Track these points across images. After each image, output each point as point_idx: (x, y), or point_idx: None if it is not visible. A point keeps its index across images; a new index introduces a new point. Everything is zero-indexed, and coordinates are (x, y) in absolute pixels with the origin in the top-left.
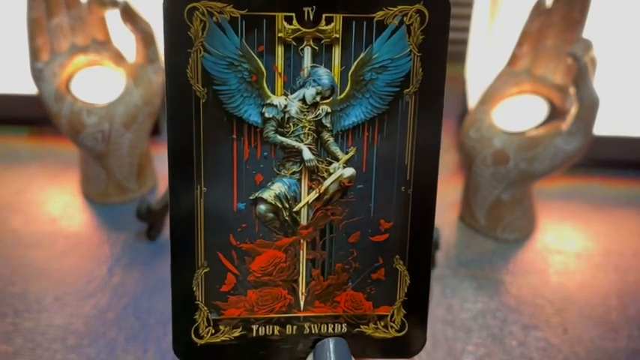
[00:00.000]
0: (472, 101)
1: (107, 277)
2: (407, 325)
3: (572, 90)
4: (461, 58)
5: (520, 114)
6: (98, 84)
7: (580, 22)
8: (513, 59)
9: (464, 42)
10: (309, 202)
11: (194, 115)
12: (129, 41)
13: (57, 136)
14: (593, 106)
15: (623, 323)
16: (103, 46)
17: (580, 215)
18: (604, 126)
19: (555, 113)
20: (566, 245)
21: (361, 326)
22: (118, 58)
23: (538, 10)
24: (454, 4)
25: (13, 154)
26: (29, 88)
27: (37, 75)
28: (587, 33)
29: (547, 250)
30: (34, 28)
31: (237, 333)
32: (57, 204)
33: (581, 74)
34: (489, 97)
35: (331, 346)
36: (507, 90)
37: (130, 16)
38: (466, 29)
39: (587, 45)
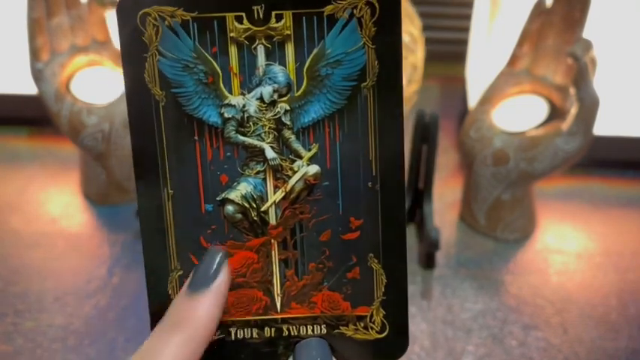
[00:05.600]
0: (472, 101)
1: (107, 277)
2: (388, 326)
3: (572, 90)
4: (461, 58)
5: (520, 114)
6: (98, 84)
7: (580, 22)
8: (513, 59)
9: (464, 42)
10: (276, 201)
11: (155, 119)
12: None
13: (57, 136)
14: (593, 106)
15: (623, 323)
16: (103, 46)
17: (580, 215)
18: (604, 126)
19: (555, 113)
20: (566, 245)
21: (341, 327)
22: (118, 58)
23: (538, 10)
24: (454, 4)
25: (13, 154)
26: (29, 88)
27: (37, 75)
28: (587, 33)
29: (547, 250)
30: (34, 28)
31: (215, 337)
32: (57, 204)
33: (581, 74)
34: (489, 97)
35: (310, 347)
36: (507, 90)
37: None
38: (466, 29)
39: (587, 45)
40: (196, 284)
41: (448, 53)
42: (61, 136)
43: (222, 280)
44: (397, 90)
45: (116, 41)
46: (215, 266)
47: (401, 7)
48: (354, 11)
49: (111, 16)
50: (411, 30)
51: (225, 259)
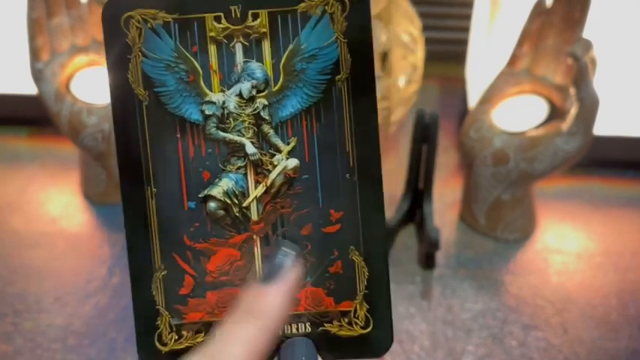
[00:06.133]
0: (472, 101)
1: (107, 277)
2: (371, 320)
3: (572, 90)
4: (461, 58)
5: (520, 114)
6: (98, 84)
7: (580, 22)
8: (513, 59)
9: (464, 42)
10: (257, 196)
11: (138, 118)
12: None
13: (57, 136)
14: (593, 106)
15: (623, 323)
16: (102, 47)
17: (580, 215)
18: (604, 126)
19: (555, 113)
20: (566, 245)
21: (325, 324)
22: None
23: (538, 10)
24: (454, 4)
25: (13, 154)
26: (29, 88)
27: (37, 75)
28: (587, 33)
29: (547, 250)
30: (34, 28)
31: (200, 338)
32: (57, 204)
33: (581, 74)
34: (489, 97)
35: (295, 347)
36: (507, 90)
37: None
38: (466, 29)
39: (587, 45)
40: (267, 275)
41: (448, 53)
42: (61, 136)
43: (293, 270)
44: (370, 81)
45: None
46: (286, 257)
47: (370, 2)
48: (326, 8)
49: None
50: (411, 30)
51: (296, 252)
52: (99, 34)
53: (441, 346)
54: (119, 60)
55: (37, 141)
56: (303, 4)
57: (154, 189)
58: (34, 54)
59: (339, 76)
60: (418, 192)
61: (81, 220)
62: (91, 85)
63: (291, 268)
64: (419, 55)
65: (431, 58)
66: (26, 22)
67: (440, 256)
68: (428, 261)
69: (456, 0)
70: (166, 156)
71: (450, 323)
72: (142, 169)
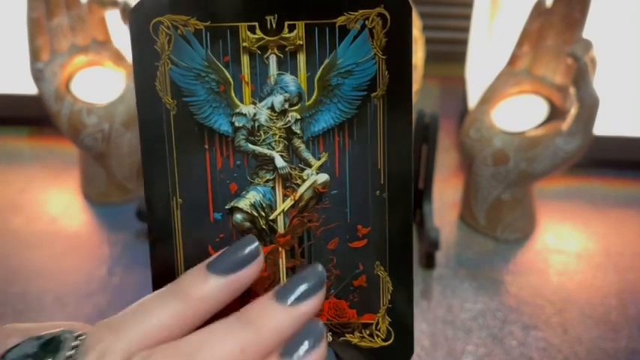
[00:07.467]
0: (472, 101)
1: (107, 277)
2: (393, 334)
3: (572, 90)
4: (461, 58)
5: (520, 114)
6: (98, 84)
7: (580, 22)
8: (513, 59)
9: (464, 42)
10: (285, 209)
11: (165, 127)
12: (129, 41)
13: (57, 136)
14: (593, 106)
15: (623, 323)
16: (103, 46)
17: (580, 215)
18: (604, 126)
19: (555, 113)
20: (566, 245)
21: (346, 335)
22: (118, 58)
23: (538, 10)
24: (454, 4)
25: (13, 154)
26: (29, 88)
27: (37, 75)
28: (587, 33)
29: (547, 250)
30: (34, 28)
31: None
32: (57, 204)
33: (581, 74)
34: (489, 97)
35: None
36: (507, 90)
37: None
38: (466, 29)
39: (587, 45)
40: (216, 267)
41: (448, 53)
42: (61, 136)
43: (245, 273)
44: (407, 100)
45: (116, 41)
46: (242, 257)
47: (412, 19)
48: (366, 22)
49: (111, 16)
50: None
51: (258, 254)
52: (99, 34)
53: (441, 346)
54: (146, 67)
55: (37, 141)
56: (342, 18)
57: (179, 199)
58: (34, 54)
59: (375, 93)
60: (418, 192)
61: (81, 220)
62: (91, 85)
63: (245, 270)
64: (419, 55)
65: (431, 58)
66: (26, 22)
67: (440, 256)
68: (428, 261)
69: (456, 0)
70: (193, 167)
71: (450, 323)
72: (168, 178)
